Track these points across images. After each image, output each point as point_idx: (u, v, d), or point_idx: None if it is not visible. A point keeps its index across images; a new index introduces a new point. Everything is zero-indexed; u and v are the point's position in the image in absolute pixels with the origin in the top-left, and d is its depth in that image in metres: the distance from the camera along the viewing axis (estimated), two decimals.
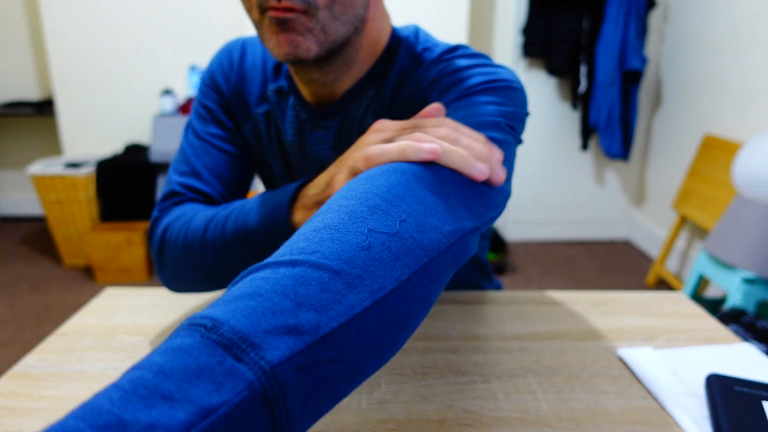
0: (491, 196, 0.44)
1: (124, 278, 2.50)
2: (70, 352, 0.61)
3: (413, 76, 0.60)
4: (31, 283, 2.47)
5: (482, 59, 0.57)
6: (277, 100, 0.66)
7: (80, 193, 2.52)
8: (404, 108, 0.60)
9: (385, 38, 0.61)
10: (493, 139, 0.48)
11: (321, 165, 0.65)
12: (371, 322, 0.31)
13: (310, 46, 0.51)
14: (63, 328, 0.66)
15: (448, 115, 0.51)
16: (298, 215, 0.51)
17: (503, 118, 0.51)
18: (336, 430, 0.48)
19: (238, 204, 0.58)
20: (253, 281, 0.30)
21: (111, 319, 0.69)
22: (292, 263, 0.31)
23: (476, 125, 0.48)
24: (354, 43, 0.57)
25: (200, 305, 0.73)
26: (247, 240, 0.54)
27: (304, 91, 0.63)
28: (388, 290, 0.32)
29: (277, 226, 0.52)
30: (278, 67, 0.67)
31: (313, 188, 0.51)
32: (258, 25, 0.53)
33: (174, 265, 0.61)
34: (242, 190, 0.70)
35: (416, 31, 0.63)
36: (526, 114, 0.56)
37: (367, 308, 0.30)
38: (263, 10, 0.51)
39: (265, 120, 0.67)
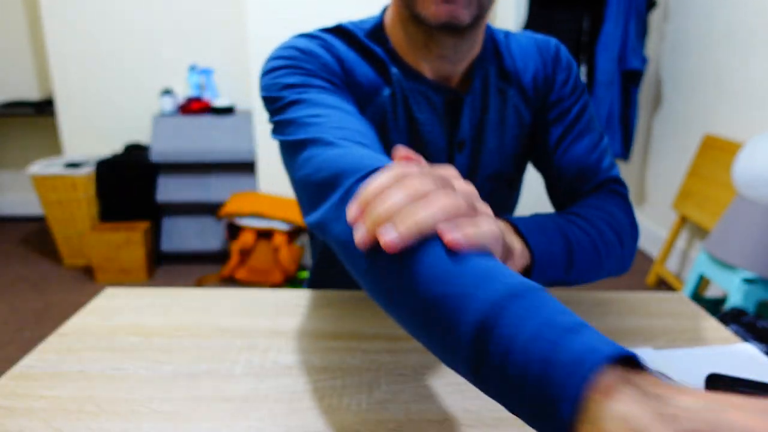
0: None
1: (124, 278, 2.50)
2: (70, 352, 0.61)
3: (508, 53, 0.68)
4: (31, 283, 2.47)
5: None
6: (404, 82, 0.65)
7: (80, 193, 2.52)
8: (529, 85, 0.69)
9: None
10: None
11: (462, 142, 0.67)
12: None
13: (465, 17, 0.55)
14: (63, 328, 0.66)
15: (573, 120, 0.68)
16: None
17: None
18: (336, 430, 0.48)
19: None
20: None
21: (111, 319, 0.69)
22: None
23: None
24: (483, 22, 0.61)
25: (200, 305, 0.73)
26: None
27: (426, 70, 0.65)
28: None
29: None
30: (377, 55, 0.65)
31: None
32: None
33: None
34: None
35: None
36: None
37: None
38: None
39: (391, 102, 0.65)
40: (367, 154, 0.48)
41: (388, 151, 0.66)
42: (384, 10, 0.67)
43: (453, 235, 0.35)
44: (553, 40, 0.71)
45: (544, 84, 0.69)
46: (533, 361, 0.29)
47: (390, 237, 0.35)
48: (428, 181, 0.37)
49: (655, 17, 2.78)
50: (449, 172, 0.42)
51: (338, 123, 0.53)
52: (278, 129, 0.58)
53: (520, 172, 0.76)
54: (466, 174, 0.69)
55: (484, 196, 0.68)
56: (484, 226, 0.37)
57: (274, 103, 0.59)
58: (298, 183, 0.54)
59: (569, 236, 0.56)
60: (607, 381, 0.26)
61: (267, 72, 0.61)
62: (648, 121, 2.94)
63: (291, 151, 0.54)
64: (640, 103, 2.89)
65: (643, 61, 2.62)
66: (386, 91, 0.65)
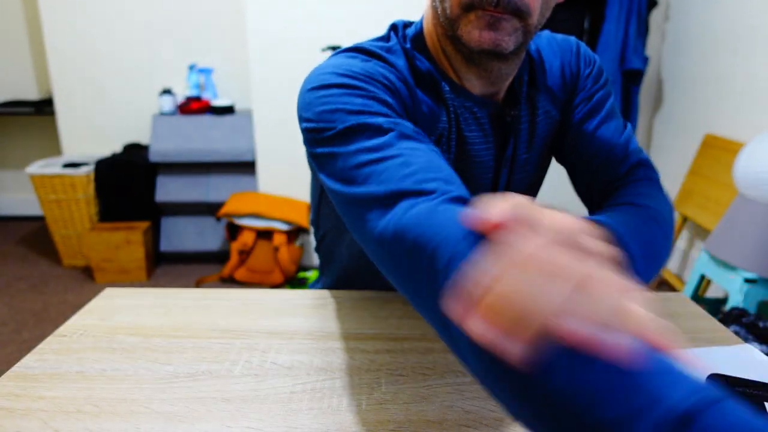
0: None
1: (124, 278, 2.50)
2: (69, 353, 0.60)
3: (538, 59, 0.67)
4: (30, 283, 2.47)
5: None
6: (455, 100, 0.61)
7: (79, 193, 2.52)
8: (557, 85, 0.68)
9: None
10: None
11: (509, 158, 0.65)
12: None
13: (509, 44, 0.53)
14: (62, 328, 0.66)
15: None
16: None
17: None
18: (336, 431, 0.48)
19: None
20: None
21: (110, 319, 0.68)
22: None
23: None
24: (526, 46, 0.58)
25: (200, 305, 0.72)
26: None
27: (470, 86, 0.62)
28: None
29: None
30: (430, 73, 0.60)
31: None
32: (456, 17, 0.53)
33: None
34: None
35: None
36: None
37: None
38: (471, 7, 0.52)
39: (447, 124, 0.61)
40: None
41: None
42: (422, 21, 0.63)
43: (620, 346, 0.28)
44: (572, 38, 0.70)
45: (571, 81, 0.68)
46: None
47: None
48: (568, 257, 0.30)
49: (655, 17, 2.78)
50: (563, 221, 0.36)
51: (426, 163, 0.45)
52: (332, 164, 0.48)
53: (543, 178, 0.75)
54: (505, 188, 0.68)
55: None
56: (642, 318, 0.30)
57: (322, 130, 0.50)
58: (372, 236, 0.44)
59: (636, 249, 0.50)
60: None
61: (305, 95, 0.53)
62: (649, 121, 2.94)
63: (360, 205, 0.45)
64: (640, 103, 2.89)
65: (644, 60, 2.62)
66: (444, 116, 0.61)
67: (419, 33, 0.62)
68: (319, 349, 0.61)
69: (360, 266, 0.75)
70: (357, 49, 0.58)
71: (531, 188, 0.72)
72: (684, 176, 2.54)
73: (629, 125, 0.69)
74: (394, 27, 0.63)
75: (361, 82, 0.52)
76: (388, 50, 0.59)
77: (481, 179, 0.65)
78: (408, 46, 0.61)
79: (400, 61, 0.58)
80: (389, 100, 0.52)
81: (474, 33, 0.52)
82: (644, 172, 0.65)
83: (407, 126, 0.49)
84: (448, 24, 0.55)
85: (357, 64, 0.54)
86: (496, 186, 0.67)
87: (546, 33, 0.70)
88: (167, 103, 2.68)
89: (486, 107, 0.63)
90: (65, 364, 0.58)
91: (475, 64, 0.58)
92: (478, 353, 0.32)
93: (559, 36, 0.71)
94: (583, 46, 0.70)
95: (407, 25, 0.65)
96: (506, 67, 0.59)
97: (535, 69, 0.66)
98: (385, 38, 0.62)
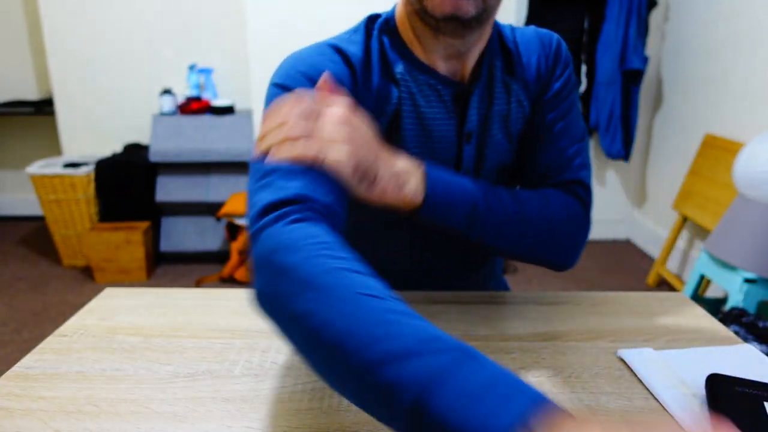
0: None
1: (124, 278, 2.50)
2: (69, 353, 0.60)
3: (515, 48, 0.70)
4: (29, 283, 2.47)
5: None
6: (414, 77, 0.66)
7: (79, 193, 2.52)
8: (531, 77, 0.70)
9: None
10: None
11: (470, 134, 0.69)
12: None
13: (469, 9, 0.56)
14: (62, 328, 0.66)
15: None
16: None
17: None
18: (336, 431, 0.48)
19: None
20: None
21: (110, 319, 0.68)
22: None
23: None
24: (489, 17, 0.61)
25: (200, 305, 0.72)
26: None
27: (437, 64, 0.66)
28: None
29: None
30: (385, 53, 0.67)
31: None
32: None
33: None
34: None
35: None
36: None
37: None
38: None
39: (398, 103, 0.66)
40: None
41: (400, 147, 0.66)
42: (395, 7, 0.68)
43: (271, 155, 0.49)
44: (555, 35, 0.72)
45: (544, 76, 0.71)
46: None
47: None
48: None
49: (655, 17, 2.78)
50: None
51: None
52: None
53: (516, 163, 0.77)
54: (473, 165, 0.70)
55: None
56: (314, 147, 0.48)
57: None
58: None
59: (481, 198, 0.61)
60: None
61: (269, 87, 0.64)
62: (649, 121, 2.94)
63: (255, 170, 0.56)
64: (640, 103, 2.89)
65: (644, 60, 2.62)
66: (395, 95, 0.66)
67: (391, 17, 0.68)
68: None
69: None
70: (322, 43, 0.66)
71: (502, 171, 0.73)
72: (684, 176, 2.54)
73: (586, 140, 0.72)
74: (370, 18, 0.69)
75: (297, 84, 0.61)
76: (348, 40, 0.66)
77: (444, 154, 0.69)
78: (375, 32, 0.67)
79: (356, 49, 0.65)
80: None
81: (436, 0, 0.57)
82: (572, 188, 0.69)
83: None
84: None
85: (309, 59, 0.63)
86: (459, 161, 0.70)
87: (531, 28, 0.72)
88: (167, 103, 2.68)
89: (450, 86, 0.66)
90: (65, 364, 0.58)
91: (442, 33, 0.61)
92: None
93: (543, 30, 0.72)
94: (563, 45, 0.72)
95: (380, 16, 0.70)
96: (470, 35, 0.61)
97: (513, 59, 0.69)
98: (355, 29, 0.68)
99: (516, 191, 0.66)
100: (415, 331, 0.36)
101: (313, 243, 0.43)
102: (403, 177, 0.56)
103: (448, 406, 0.31)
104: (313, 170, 0.49)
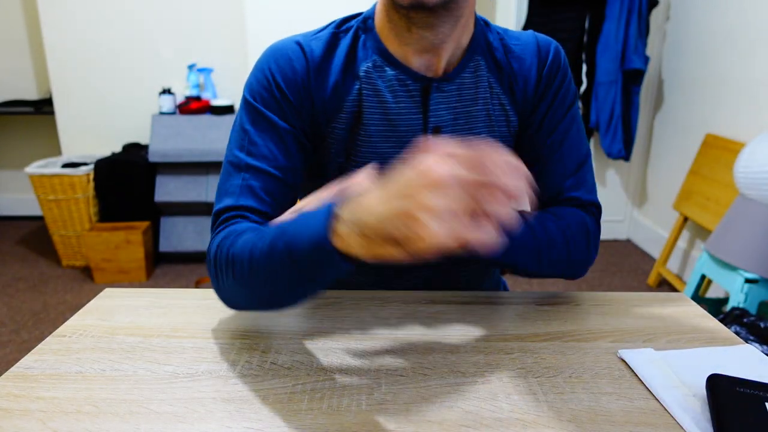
0: None
1: (123, 278, 2.49)
2: (69, 353, 0.60)
3: (502, 48, 0.71)
4: (29, 283, 2.47)
5: None
6: (376, 77, 0.67)
7: (78, 193, 2.52)
8: (518, 78, 0.70)
9: (474, 17, 0.70)
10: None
11: (437, 128, 0.69)
12: None
13: None
14: (61, 328, 0.66)
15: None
16: (340, 237, 0.46)
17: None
18: (336, 431, 0.48)
19: (280, 226, 0.55)
20: None
21: (110, 319, 0.68)
22: None
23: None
24: (461, 8, 0.62)
25: (200, 305, 0.72)
26: (294, 264, 0.51)
27: (412, 59, 0.67)
28: None
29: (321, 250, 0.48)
30: (354, 51, 0.69)
31: (354, 213, 0.45)
32: None
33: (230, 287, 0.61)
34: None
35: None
36: None
37: None
38: None
39: (359, 96, 0.68)
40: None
41: (364, 141, 0.70)
42: (374, 5, 0.70)
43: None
44: (553, 42, 0.72)
45: (537, 86, 0.70)
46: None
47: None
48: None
49: (656, 17, 2.78)
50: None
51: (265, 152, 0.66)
52: (242, 117, 0.68)
53: None
54: None
55: None
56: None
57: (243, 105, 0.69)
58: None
59: (515, 231, 0.64)
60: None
61: (249, 76, 0.69)
62: (649, 121, 2.93)
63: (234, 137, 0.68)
64: (641, 103, 2.88)
65: (645, 60, 2.62)
66: (355, 88, 0.67)
67: (370, 15, 0.69)
68: (319, 349, 0.61)
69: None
70: (291, 38, 0.68)
71: None
72: (684, 176, 2.54)
73: (589, 157, 0.73)
74: (345, 18, 0.71)
75: (264, 90, 0.66)
76: (314, 37, 0.68)
77: (409, 145, 0.70)
78: (352, 30, 0.69)
79: (316, 45, 0.67)
80: (273, 103, 0.66)
81: None
82: (586, 207, 0.72)
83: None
84: None
85: (273, 57, 0.67)
86: None
87: (530, 32, 0.72)
88: (167, 103, 2.68)
89: (420, 80, 0.67)
90: (64, 365, 0.58)
91: (414, 24, 0.62)
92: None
93: (542, 37, 0.72)
94: (562, 54, 0.72)
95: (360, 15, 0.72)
96: (440, 25, 0.62)
97: (497, 57, 0.70)
98: (324, 27, 0.70)
99: (540, 216, 0.68)
100: (271, 232, 0.54)
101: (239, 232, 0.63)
102: None
103: (293, 234, 0.50)
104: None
